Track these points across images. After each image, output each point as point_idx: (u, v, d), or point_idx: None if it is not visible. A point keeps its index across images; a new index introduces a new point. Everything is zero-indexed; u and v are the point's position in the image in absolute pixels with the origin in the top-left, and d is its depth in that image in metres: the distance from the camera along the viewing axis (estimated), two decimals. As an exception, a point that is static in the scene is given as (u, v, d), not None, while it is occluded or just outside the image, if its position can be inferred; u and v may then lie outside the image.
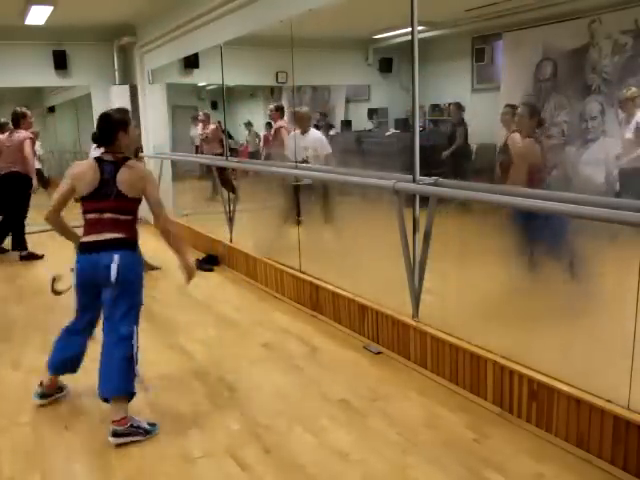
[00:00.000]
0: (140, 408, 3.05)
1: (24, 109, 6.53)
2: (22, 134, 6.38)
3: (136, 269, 2.98)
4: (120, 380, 2.79)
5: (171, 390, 3.25)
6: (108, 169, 2.88)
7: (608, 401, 2.43)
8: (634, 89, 5.27)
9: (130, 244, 2.95)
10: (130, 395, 2.81)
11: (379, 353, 3.63)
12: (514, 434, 2.69)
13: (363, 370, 3.43)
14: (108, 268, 2.78)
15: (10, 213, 6.44)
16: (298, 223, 5.33)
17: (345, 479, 2.43)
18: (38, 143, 6.88)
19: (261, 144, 9.68)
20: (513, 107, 5.12)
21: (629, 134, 5.17)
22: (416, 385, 3.20)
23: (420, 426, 2.79)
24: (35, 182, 6.47)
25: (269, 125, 9.35)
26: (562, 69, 6.98)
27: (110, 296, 2.84)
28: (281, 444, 2.67)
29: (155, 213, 2.97)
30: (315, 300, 4.37)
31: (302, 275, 4.56)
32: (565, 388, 2.57)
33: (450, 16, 7.38)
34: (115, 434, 2.70)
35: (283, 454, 2.60)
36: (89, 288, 2.89)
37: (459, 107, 7.62)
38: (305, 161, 5.43)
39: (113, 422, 2.71)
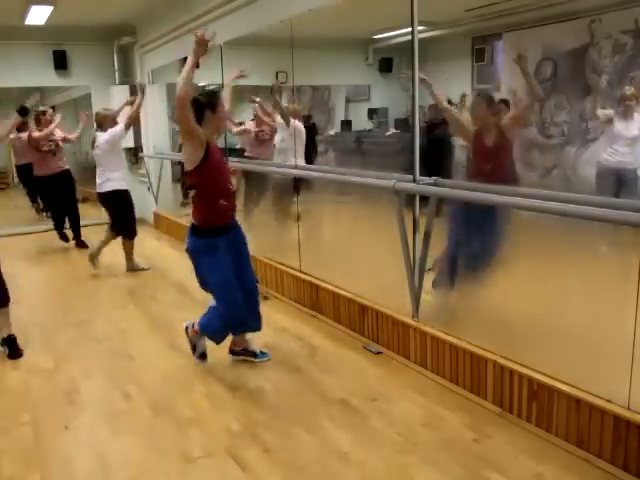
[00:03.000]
0: (140, 408, 3.05)
1: (43, 107, 6.88)
2: (35, 134, 6.63)
3: (192, 252, 3.29)
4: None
5: (171, 390, 3.25)
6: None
7: (608, 401, 2.43)
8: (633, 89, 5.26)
9: (197, 230, 3.26)
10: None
11: (379, 353, 3.63)
12: (514, 434, 2.69)
13: (363, 370, 3.43)
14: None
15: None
16: (297, 218, 5.33)
17: (345, 479, 2.43)
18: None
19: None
20: (485, 95, 5.10)
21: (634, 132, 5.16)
22: (416, 385, 3.20)
23: (420, 426, 2.79)
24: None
25: (241, 124, 9.21)
26: (562, 69, 6.98)
27: None
28: (281, 444, 2.67)
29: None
30: (315, 300, 4.37)
31: (302, 275, 4.56)
32: (565, 388, 2.57)
33: (450, 16, 7.38)
34: (186, 329, 3.54)
35: (283, 454, 2.60)
36: None
37: (436, 108, 7.55)
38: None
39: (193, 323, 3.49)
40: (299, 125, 5.94)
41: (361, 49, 9.69)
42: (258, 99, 6.74)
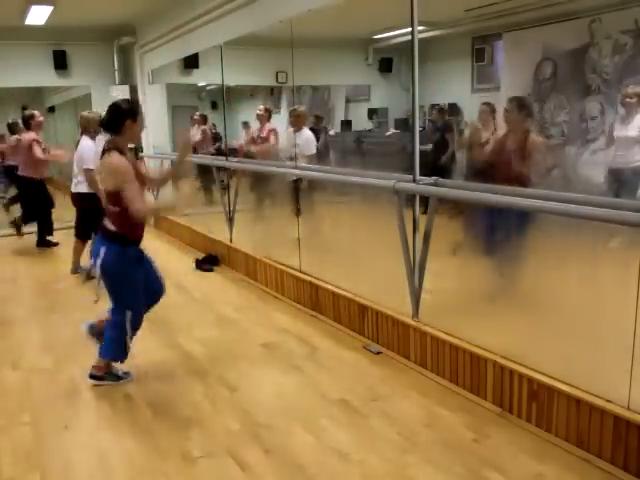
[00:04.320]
0: (140, 407, 3.05)
1: (33, 111, 6.63)
2: (27, 136, 6.49)
3: (116, 265, 3.07)
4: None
5: (171, 390, 3.25)
6: (101, 155, 3.06)
7: (608, 401, 2.43)
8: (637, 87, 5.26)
9: (118, 238, 3.05)
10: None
11: (379, 353, 3.63)
12: (514, 434, 2.69)
13: (363, 370, 3.43)
14: (95, 257, 3.04)
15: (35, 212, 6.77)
16: (297, 214, 5.34)
17: (345, 479, 2.43)
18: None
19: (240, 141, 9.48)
20: (490, 104, 5.13)
21: (632, 132, 5.17)
22: (416, 385, 3.20)
23: (420, 426, 2.79)
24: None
25: (245, 124, 9.21)
26: (562, 69, 6.98)
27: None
28: (281, 444, 2.67)
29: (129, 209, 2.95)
30: (315, 300, 4.37)
31: (302, 275, 4.56)
32: (565, 388, 2.57)
33: (450, 16, 7.39)
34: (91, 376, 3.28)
35: (283, 454, 2.60)
36: None
37: (442, 111, 7.56)
38: (292, 158, 5.59)
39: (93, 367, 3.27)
40: (309, 134, 5.93)
41: (361, 49, 9.69)
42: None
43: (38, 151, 6.40)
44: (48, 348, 3.91)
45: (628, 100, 5.15)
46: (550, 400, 2.63)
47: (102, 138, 5.11)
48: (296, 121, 5.97)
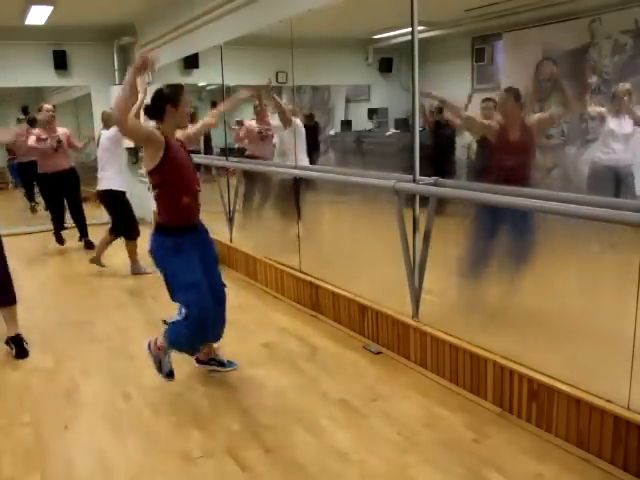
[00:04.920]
0: (140, 408, 3.05)
1: (44, 104, 6.69)
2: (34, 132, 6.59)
3: (158, 252, 3.11)
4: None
5: (171, 390, 3.25)
6: None
7: (608, 401, 2.43)
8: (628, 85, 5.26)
9: (160, 228, 3.13)
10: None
11: (379, 353, 3.63)
12: (514, 434, 2.69)
13: (363, 370, 3.43)
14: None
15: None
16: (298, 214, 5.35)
17: (345, 479, 2.43)
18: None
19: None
20: (493, 100, 5.13)
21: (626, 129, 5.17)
22: (416, 385, 3.20)
23: (420, 426, 2.79)
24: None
25: (239, 123, 9.22)
26: (562, 69, 6.98)
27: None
28: (281, 444, 2.67)
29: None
30: (315, 300, 4.37)
31: (302, 275, 4.56)
32: (565, 388, 2.57)
33: (450, 16, 7.38)
34: (148, 346, 3.23)
35: (283, 454, 2.60)
36: None
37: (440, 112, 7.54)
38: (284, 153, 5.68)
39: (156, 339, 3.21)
40: (299, 123, 5.94)
41: (361, 49, 9.68)
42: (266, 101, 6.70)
43: (30, 139, 6.44)
44: (48, 348, 3.91)
45: (619, 98, 5.17)
46: (550, 400, 2.63)
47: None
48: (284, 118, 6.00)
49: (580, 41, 6.71)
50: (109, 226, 5.76)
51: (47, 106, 6.59)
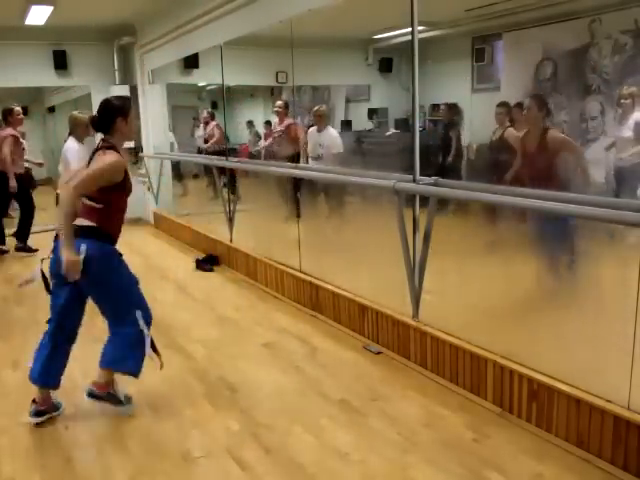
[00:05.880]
0: (140, 408, 3.05)
1: (14, 105, 6.43)
2: (5, 132, 6.35)
3: (109, 260, 2.81)
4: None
5: (171, 390, 3.25)
6: (91, 155, 2.88)
7: (608, 401, 2.43)
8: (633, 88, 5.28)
9: (102, 234, 2.78)
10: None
11: (379, 353, 3.63)
12: (514, 434, 2.69)
13: (363, 370, 3.43)
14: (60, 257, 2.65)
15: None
16: (298, 216, 5.37)
17: (345, 479, 2.43)
18: (26, 143, 6.78)
19: (262, 142, 9.64)
20: (507, 105, 5.17)
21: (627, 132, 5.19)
22: (416, 385, 3.20)
23: (420, 426, 2.79)
24: (13, 183, 6.26)
25: (268, 123, 9.34)
26: (562, 69, 6.98)
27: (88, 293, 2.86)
28: (281, 444, 2.67)
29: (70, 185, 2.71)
30: (315, 300, 4.37)
31: (302, 275, 4.56)
32: (565, 388, 2.57)
33: (450, 16, 7.38)
34: (90, 394, 2.95)
35: (283, 454, 2.60)
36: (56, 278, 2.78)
37: (450, 108, 7.57)
38: (320, 157, 5.65)
39: (93, 384, 2.95)
40: (333, 132, 6.00)
41: (361, 49, 9.68)
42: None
43: (6, 148, 6.18)
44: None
45: (623, 101, 5.19)
46: (550, 400, 2.63)
47: (88, 142, 4.84)
48: (319, 120, 6.06)
49: (580, 41, 6.71)
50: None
51: (16, 107, 6.41)
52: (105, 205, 2.80)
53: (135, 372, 2.94)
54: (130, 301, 2.88)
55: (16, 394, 3.26)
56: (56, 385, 2.94)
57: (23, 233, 6.64)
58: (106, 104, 2.87)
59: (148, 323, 2.93)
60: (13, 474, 2.53)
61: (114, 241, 2.88)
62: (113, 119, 2.82)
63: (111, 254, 2.84)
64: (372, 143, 9.00)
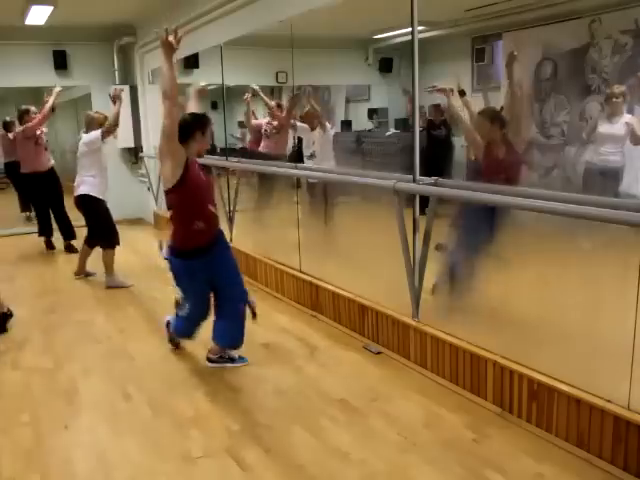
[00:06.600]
0: (140, 408, 3.05)
1: (30, 107, 6.57)
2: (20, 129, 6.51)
3: (174, 270, 3.34)
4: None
5: (171, 390, 3.25)
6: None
7: (608, 401, 2.43)
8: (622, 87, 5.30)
9: (177, 251, 3.29)
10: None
11: (379, 353, 3.63)
12: (514, 434, 2.69)
13: (363, 370, 3.43)
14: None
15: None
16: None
17: (345, 479, 2.43)
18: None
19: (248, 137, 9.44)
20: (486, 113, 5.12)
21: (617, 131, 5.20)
22: (416, 385, 3.20)
23: (420, 426, 2.79)
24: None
25: (241, 124, 9.26)
26: (562, 69, 6.98)
27: None
28: (281, 444, 2.67)
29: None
30: (315, 300, 4.37)
31: (302, 275, 4.56)
32: (565, 388, 2.57)
33: (450, 16, 7.38)
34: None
35: (283, 454, 2.60)
36: None
37: (436, 108, 7.54)
38: (313, 155, 5.73)
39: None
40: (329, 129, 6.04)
41: (361, 49, 9.69)
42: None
43: (35, 120, 6.37)
44: (48, 348, 3.91)
45: (614, 100, 5.19)
46: (550, 400, 2.63)
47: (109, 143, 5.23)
48: (309, 120, 6.08)
49: (580, 41, 6.71)
50: (85, 236, 5.49)
51: (32, 108, 6.54)
52: (174, 210, 3.21)
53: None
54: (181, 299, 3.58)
55: (16, 394, 3.26)
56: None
57: (67, 232, 6.67)
58: (191, 115, 3.32)
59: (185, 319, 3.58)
60: (13, 474, 2.53)
61: (184, 253, 3.31)
62: (193, 131, 3.18)
63: (176, 267, 3.39)
64: (372, 143, 9.01)
